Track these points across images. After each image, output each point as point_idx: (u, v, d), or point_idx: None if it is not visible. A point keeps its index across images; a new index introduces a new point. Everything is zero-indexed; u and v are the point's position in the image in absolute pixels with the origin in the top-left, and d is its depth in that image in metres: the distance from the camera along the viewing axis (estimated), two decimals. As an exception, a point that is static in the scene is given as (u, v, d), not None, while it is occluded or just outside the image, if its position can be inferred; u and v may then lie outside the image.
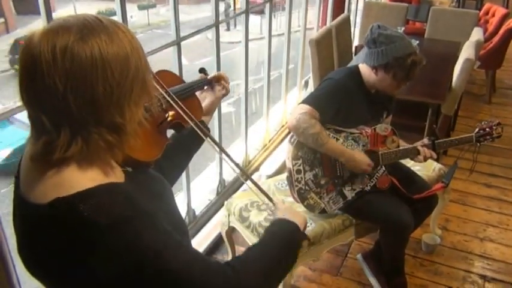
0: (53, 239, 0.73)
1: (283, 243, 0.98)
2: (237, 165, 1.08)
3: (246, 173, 1.08)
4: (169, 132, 1.08)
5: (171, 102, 0.97)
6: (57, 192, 0.72)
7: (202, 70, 1.21)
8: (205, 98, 1.20)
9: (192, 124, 1.02)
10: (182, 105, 0.99)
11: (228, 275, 0.82)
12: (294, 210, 1.09)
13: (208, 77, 1.19)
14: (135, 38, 0.77)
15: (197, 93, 1.16)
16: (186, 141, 1.15)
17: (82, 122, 0.72)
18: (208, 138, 1.06)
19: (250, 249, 0.95)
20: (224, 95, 1.21)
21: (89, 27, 0.71)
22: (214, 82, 1.20)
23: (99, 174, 0.76)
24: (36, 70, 0.69)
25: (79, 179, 0.74)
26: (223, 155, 1.08)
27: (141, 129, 0.81)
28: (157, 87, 0.93)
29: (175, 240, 0.79)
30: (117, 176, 0.80)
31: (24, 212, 0.79)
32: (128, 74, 0.73)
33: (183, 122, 1.03)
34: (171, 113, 0.98)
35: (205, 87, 1.18)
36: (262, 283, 0.88)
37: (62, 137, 0.72)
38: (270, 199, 1.08)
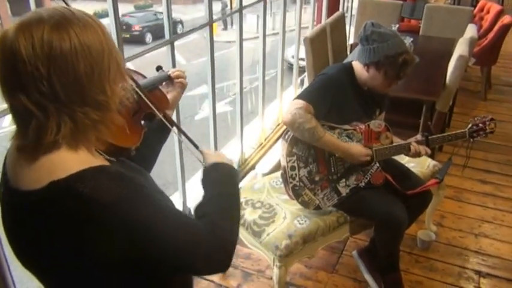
0: (49, 222, 0.76)
1: (231, 187, 1.07)
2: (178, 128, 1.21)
3: (175, 123, 1.18)
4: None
5: (140, 93, 1.05)
6: (51, 176, 0.75)
7: (159, 68, 1.30)
8: (167, 93, 1.28)
9: (156, 111, 1.09)
10: (148, 95, 1.08)
11: (210, 239, 0.88)
12: (220, 153, 1.19)
13: (168, 73, 1.28)
14: (103, 24, 0.82)
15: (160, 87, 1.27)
16: (157, 129, 1.21)
17: (68, 102, 0.75)
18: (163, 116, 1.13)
19: (211, 205, 1.00)
20: (183, 88, 1.32)
21: (61, 15, 0.75)
22: (174, 78, 1.29)
23: (88, 155, 0.80)
24: (17, 60, 0.72)
25: (70, 161, 0.77)
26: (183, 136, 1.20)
27: (121, 112, 0.85)
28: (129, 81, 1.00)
29: (167, 209, 0.85)
30: (104, 161, 0.84)
31: (15, 201, 0.80)
32: (103, 55, 0.78)
33: (153, 112, 1.12)
34: (142, 104, 1.07)
35: (164, 83, 1.28)
36: (235, 235, 0.99)
37: (50, 119, 0.75)
38: (196, 146, 1.17)
